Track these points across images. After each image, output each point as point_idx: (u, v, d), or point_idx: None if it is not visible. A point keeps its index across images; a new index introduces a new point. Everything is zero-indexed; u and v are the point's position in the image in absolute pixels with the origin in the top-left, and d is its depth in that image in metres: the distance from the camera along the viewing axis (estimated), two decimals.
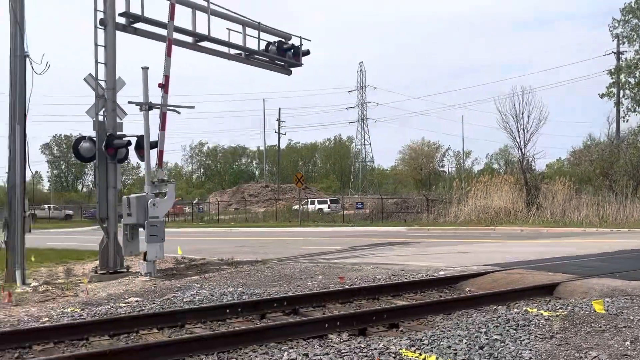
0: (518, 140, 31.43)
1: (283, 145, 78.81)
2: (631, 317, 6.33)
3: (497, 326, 6.06)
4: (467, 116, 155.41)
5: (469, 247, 16.18)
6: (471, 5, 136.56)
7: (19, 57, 11.30)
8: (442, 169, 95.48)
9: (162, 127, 11.85)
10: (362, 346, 5.41)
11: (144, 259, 11.27)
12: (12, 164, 11.29)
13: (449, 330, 5.96)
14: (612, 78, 30.99)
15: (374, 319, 6.51)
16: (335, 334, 6.15)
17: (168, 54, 11.94)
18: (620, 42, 33.10)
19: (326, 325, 6.23)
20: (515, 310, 7.07)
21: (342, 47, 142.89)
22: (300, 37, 16.65)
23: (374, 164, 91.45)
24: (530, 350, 5.18)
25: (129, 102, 11.71)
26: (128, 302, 8.48)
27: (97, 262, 12.48)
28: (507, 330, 5.88)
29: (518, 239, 19.62)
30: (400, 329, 6.46)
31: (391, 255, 14.67)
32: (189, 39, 14.05)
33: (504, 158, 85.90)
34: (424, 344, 5.43)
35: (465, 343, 5.39)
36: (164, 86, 11.66)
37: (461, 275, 9.60)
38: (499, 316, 6.59)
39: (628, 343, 5.37)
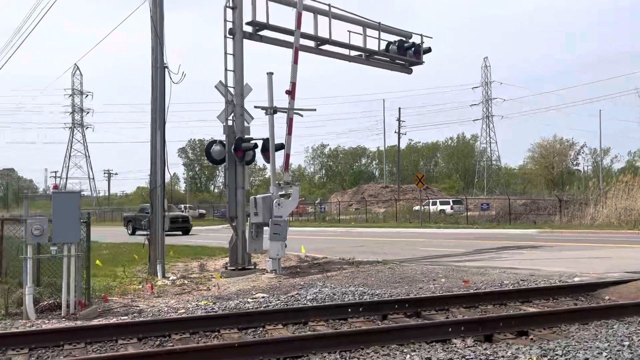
0: None
1: (403, 145, 78.14)
2: None
3: None
4: (606, 110, 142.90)
5: (607, 252, 14.87)
6: None
7: (159, 69, 12.30)
8: (576, 167, 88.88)
9: (289, 131, 12.30)
10: (488, 353, 5.18)
11: (270, 257, 11.74)
12: (153, 167, 12.33)
13: (586, 342, 5.51)
14: None
15: (501, 325, 6.20)
16: (459, 339, 5.96)
17: (295, 61, 12.34)
18: None
19: (450, 329, 6.06)
20: None
21: (465, 43, 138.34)
22: (421, 35, 16.40)
23: (500, 163, 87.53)
24: None
25: (255, 107, 12.27)
26: (255, 298, 8.87)
27: (227, 259, 13.23)
28: None
29: None
30: (530, 337, 6.10)
31: (519, 259, 13.92)
32: (311, 43, 14.42)
33: None
34: (557, 354, 5.07)
35: (605, 357, 4.95)
36: (291, 92, 12.04)
37: (599, 282, 8.84)
38: None
39: None
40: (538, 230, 26.79)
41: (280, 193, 11.91)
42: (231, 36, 12.79)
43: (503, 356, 5.06)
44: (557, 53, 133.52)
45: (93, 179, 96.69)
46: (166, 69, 12.31)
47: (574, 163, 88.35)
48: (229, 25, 12.79)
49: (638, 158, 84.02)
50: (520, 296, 8.14)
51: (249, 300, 8.66)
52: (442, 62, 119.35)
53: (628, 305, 7.16)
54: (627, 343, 5.39)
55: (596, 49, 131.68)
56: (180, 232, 32.89)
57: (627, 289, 8.38)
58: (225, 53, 12.73)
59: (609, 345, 5.33)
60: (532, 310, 7.42)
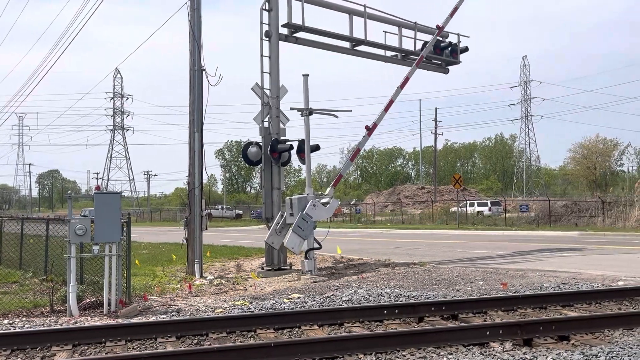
0: None
1: (440, 146, 77.24)
2: None
3: None
4: None
5: None
6: None
7: (196, 71, 12.50)
8: (620, 168, 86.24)
9: (352, 158, 13.70)
10: (528, 357, 5.08)
11: (306, 257, 11.78)
12: (191, 168, 12.54)
13: (631, 348, 5.34)
14: None
15: (541, 329, 6.07)
16: (498, 343, 5.86)
17: (385, 109, 12.84)
18: None
19: (487, 332, 5.96)
20: None
21: (503, 42, 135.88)
22: (457, 35, 16.20)
23: (539, 163, 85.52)
24: None
25: (291, 109, 12.35)
26: (291, 298, 8.92)
27: (263, 259, 13.34)
28: None
29: None
30: (572, 342, 5.94)
31: (560, 262, 13.57)
32: (346, 44, 14.42)
33: None
34: None
35: None
36: (370, 130, 12.86)
37: None
38: None
39: None
40: (579, 233, 26.07)
41: (321, 201, 11.88)
42: (267, 38, 12.90)
43: None
44: (599, 50, 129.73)
45: (133, 180, 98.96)
46: (203, 72, 12.51)
47: (618, 163, 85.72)
48: (265, 27, 12.90)
49: None
50: (561, 300, 7.94)
51: (285, 300, 8.71)
52: (482, 60, 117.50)
53: None
54: None
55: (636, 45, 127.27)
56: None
57: None
58: (262, 55, 12.84)
59: None
60: (573, 314, 7.23)
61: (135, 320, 7.51)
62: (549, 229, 29.27)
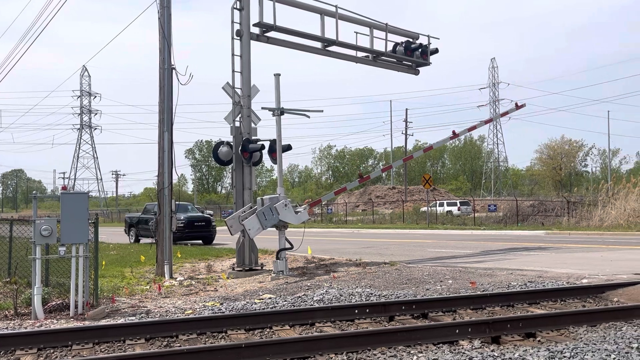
0: None
1: (410, 146, 77.90)
2: None
3: None
4: (615, 111, 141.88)
5: (616, 254, 14.78)
6: None
7: (166, 70, 12.35)
8: (584, 169, 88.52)
9: (337, 192, 14.78)
10: (496, 355, 5.16)
11: (277, 258, 11.75)
12: (161, 168, 12.38)
13: (594, 344, 5.49)
14: None
15: (509, 327, 6.18)
16: (467, 341, 5.95)
17: (383, 170, 12.71)
18: None
19: (457, 331, 6.04)
20: None
21: (473, 44, 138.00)
22: (428, 36, 16.38)
23: (507, 164, 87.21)
24: None
25: (263, 108, 12.30)
26: (262, 299, 8.89)
27: (234, 260, 13.25)
28: None
29: None
30: (538, 339, 6.07)
31: (527, 260, 13.85)
32: (318, 44, 14.43)
33: None
34: (564, 356, 5.05)
35: (614, 359, 4.92)
36: (362, 177, 14.28)
37: (608, 284, 8.79)
38: None
39: None
40: (545, 232, 26.66)
41: (294, 206, 11.84)
42: (238, 37, 12.82)
43: (510, 358, 5.04)
44: (566, 54, 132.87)
45: (101, 180, 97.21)
46: (174, 71, 12.36)
47: (582, 164, 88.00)
48: (236, 26, 12.82)
49: None
50: (527, 298, 8.11)
51: (256, 301, 8.68)
52: (452, 62, 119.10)
53: (637, 307, 7.11)
54: (635, 345, 5.36)
55: (605, 49, 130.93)
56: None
57: (635, 291, 8.32)
58: (233, 54, 12.76)
59: (617, 347, 5.30)
60: (539, 311, 7.39)
61: (103, 322, 7.38)
62: (517, 228, 29.84)
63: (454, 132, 14.84)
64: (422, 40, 16.29)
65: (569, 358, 5.00)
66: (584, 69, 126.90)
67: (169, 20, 12.44)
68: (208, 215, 26.64)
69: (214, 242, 23.88)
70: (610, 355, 5.03)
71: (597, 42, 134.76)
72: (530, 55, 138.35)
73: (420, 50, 16.08)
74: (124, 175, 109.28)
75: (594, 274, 10.32)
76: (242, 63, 12.81)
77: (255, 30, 13.17)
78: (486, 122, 15.56)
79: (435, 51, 16.44)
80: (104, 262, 14.05)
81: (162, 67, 12.38)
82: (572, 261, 13.33)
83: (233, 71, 12.75)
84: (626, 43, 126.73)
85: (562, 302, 8.08)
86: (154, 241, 12.72)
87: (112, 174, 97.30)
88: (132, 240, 25.23)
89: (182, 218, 22.86)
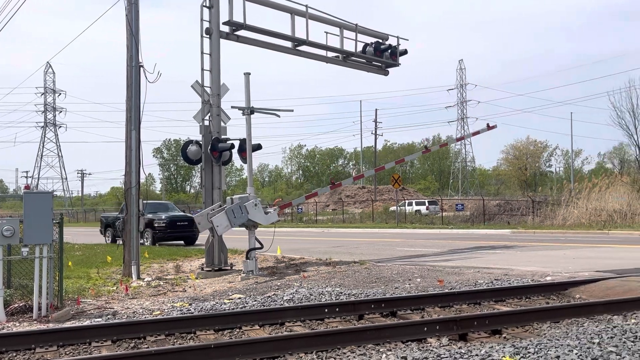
0: (635, 137, 29.05)
1: (380, 146, 78.59)
2: None
3: (612, 337, 5.63)
4: (577, 113, 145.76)
5: (578, 252, 15.19)
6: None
7: (134, 67, 12.16)
8: (549, 169, 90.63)
9: (308, 197, 15.14)
10: (463, 352, 5.25)
11: (247, 258, 11.70)
12: (128, 167, 12.18)
13: (557, 339, 5.63)
14: None
15: (476, 324, 6.29)
16: (435, 338, 6.03)
17: (355, 178, 12.87)
18: None
19: (425, 328, 6.12)
20: (633, 321, 6.55)
21: (442, 45, 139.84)
22: (397, 37, 16.54)
23: (474, 164, 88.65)
24: None
25: (232, 107, 12.22)
26: (232, 299, 8.84)
27: (204, 260, 13.14)
28: (624, 343, 5.44)
29: (636, 244, 18.11)
30: (504, 335, 6.20)
31: (494, 259, 14.12)
32: (288, 44, 14.41)
33: (619, 157, 79.92)
34: (529, 352, 5.16)
35: (576, 354, 5.06)
36: (333, 184, 14.99)
37: (570, 281, 9.03)
38: (615, 327, 6.12)
39: None
40: (511, 231, 27.21)
41: (264, 207, 11.77)
42: (208, 36, 12.71)
43: (477, 355, 5.13)
44: (533, 57, 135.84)
45: (66, 179, 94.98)
46: (141, 68, 12.18)
47: (547, 164, 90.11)
48: (206, 24, 12.71)
49: (608, 160, 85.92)
50: (494, 295, 8.27)
51: (226, 301, 8.62)
52: (421, 63, 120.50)
53: (597, 303, 7.33)
54: (596, 341, 5.52)
55: (571, 52, 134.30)
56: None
57: (596, 288, 8.58)
58: (202, 53, 12.65)
59: (579, 342, 5.45)
60: (505, 309, 7.54)
61: (68, 324, 7.23)
62: (484, 227, 30.38)
63: (425, 147, 16.27)
64: (392, 41, 16.44)
65: (533, 354, 5.12)
66: (549, 72, 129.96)
67: (137, 17, 12.25)
68: (191, 215, 25.70)
69: (197, 242, 23.44)
70: (572, 350, 5.16)
71: (562, 45, 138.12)
72: (497, 57, 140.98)
73: (389, 51, 16.22)
74: (89, 174, 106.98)
75: (557, 271, 10.58)
76: (212, 61, 12.71)
77: (225, 28, 13.08)
78: (458, 139, 16.39)
79: (405, 52, 16.60)
80: (70, 263, 13.75)
81: (130, 65, 12.19)
82: (536, 259, 13.64)
83: (202, 69, 12.64)
84: (590, 47, 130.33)
85: (527, 299, 8.26)
86: (121, 242, 12.50)
87: (78, 173, 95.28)
88: (108, 241, 24.47)
89: (164, 218, 22.65)
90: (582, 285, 8.75)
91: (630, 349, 5.23)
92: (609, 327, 6.10)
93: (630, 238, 21.30)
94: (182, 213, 25.39)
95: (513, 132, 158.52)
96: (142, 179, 12.46)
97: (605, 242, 18.97)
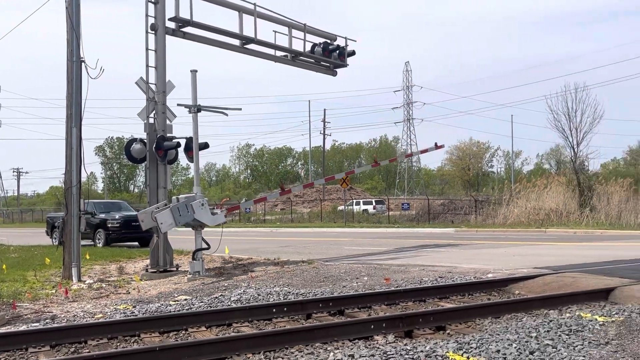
0: (570, 139, 30.34)
1: (328, 146, 79.06)
2: None
3: (548, 331, 5.89)
4: (518, 115, 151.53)
5: (518, 250, 15.78)
6: (520, 3, 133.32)
7: (75, 62, 11.74)
8: (491, 169, 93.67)
9: (256, 201, 16.24)
10: (408, 348, 5.35)
11: (193, 258, 11.51)
12: (69, 165, 11.75)
13: (498, 334, 5.83)
14: None
15: (421, 321, 6.43)
16: (381, 336, 6.12)
17: (305, 186, 12.44)
18: None
19: (372, 326, 6.20)
20: (568, 315, 6.86)
21: (389, 47, 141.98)
22: (345, 38, 16.65)
23: (420, 164, 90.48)
24: (584, 356, 5.01)
25: (178, 105, 12.00)
26: (177, 300, 8.67)
27: (148, 261, 12.84)
28: (559, 336, 5.70)
29: (570, 241, 19.00)
30: (448, 331, 6.37)
31: (438, 257, 14.46)
32: (236, 42, 14.27)
33: (556, 158, 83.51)
34: (471, 347, 5.33)
35: (515, 347, 5.26)
36: (284, 190, 15.23)
37: (510, 278, 9.37)
38: (551, 321, 6.40)
39: None
40: (455, 229, 27.97)
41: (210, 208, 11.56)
42: (153, 32, 12.42)
43: (422, 351, 5.24)
44: (478, 59, 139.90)
45: (0, 177, 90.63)
46: (83, 63, 11.78)
47: (489, 165, 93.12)
48: (151, 20, 12.42)
49: (545, 161, 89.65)
50: (438, 293, 8.47)
51: (171, 303, 8.46)
52: (368, 65, 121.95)
53: (535, 299, 7.65)
54: (534, 334, 5.75)
55: (515, 56, 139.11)
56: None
57: (534, 284, 8.93)
58: (147, 49, 12.35)
59: (518, 336, 5.66)
60: (449, 306, 7.74)
61: (3, 330, 6.90)
62: (428, 226, 31.09)
63: (375, 160, 17.43)
64: (340, 42, 16.54)
65: (475, 349, 5.28)
66: (494, 75, 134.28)
67: (78, 9, 11.83)
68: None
69: (128, 242, 22.93)
70: (512, 344, 5.36)
71: (503, 49, 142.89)
72: (442, 59, 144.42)
73: (338, 51, 16.32)
74: (26, 172, 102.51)
75: (498, 268, 10.95)
76: (157, 58, 12.43)
77: (171, 24, 12.81)
78: (407, 156, 17.05)
79: (353, 53, 16.74)
80: (4, 266, 13.14)
81: (71, 60, 11.76)
82: (479, 257, 14.07)
83: (147, 66, 12.34)
84: (531, 51, 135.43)
85: (469, 296, 8.51)
86: (59, 242, 12.04)
87: (14, 172, 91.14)
88: (55, 243, 23.04)
89: (117, 218, 21.91)
90: (522, 282, 9.09)
91: (565, 341, 5.48)
92: (545, 322, 6.37)
93: (565, 235, 22.33)
94: (136, 213, 24.59)
95: (457, 133, 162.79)
96: (84, 178, 12.05)
97: (543, 240, 19.80)
